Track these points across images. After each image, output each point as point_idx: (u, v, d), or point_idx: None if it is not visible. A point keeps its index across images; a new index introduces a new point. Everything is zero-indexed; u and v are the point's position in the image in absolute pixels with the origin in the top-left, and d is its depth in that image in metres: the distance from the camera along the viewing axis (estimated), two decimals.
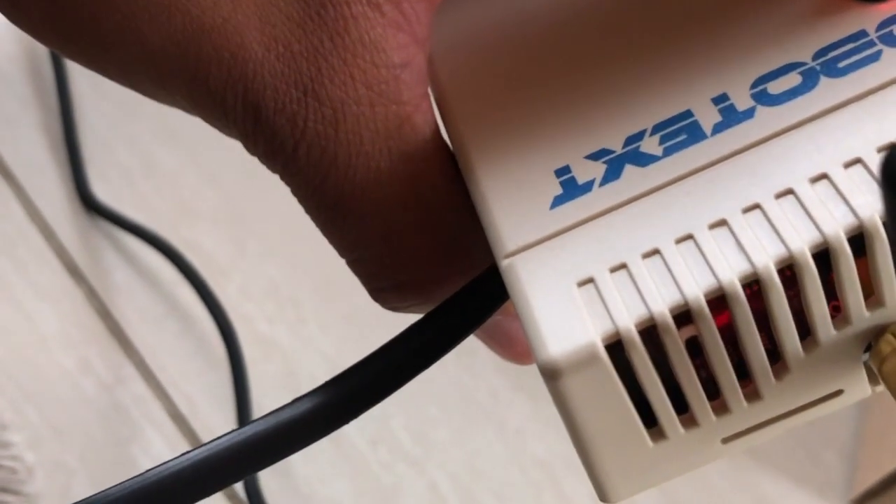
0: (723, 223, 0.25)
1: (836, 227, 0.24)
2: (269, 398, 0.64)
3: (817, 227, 0.24)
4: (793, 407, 0.26)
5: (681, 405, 0.26)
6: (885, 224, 0.20)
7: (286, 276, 0.67)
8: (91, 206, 0.69)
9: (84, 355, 0.65)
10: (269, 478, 0.62)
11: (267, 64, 0.27)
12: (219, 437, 0.28)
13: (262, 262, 0.68)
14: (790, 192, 0.25)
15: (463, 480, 0.62)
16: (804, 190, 0.25)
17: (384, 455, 0.63)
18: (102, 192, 0.70)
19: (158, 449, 0.63)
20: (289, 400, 0.61)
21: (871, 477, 0.59)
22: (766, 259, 0.24)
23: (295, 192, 0.29)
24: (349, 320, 0.66)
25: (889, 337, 0.25)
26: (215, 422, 0.64)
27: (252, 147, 0.28)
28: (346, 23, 0.27)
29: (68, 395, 0.64)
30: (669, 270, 0.25)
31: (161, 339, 0.66)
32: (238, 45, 0.27)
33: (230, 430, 0.29)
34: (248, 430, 0.29)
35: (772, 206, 0.25)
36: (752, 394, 0.26)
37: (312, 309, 0.66)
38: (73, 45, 0.28)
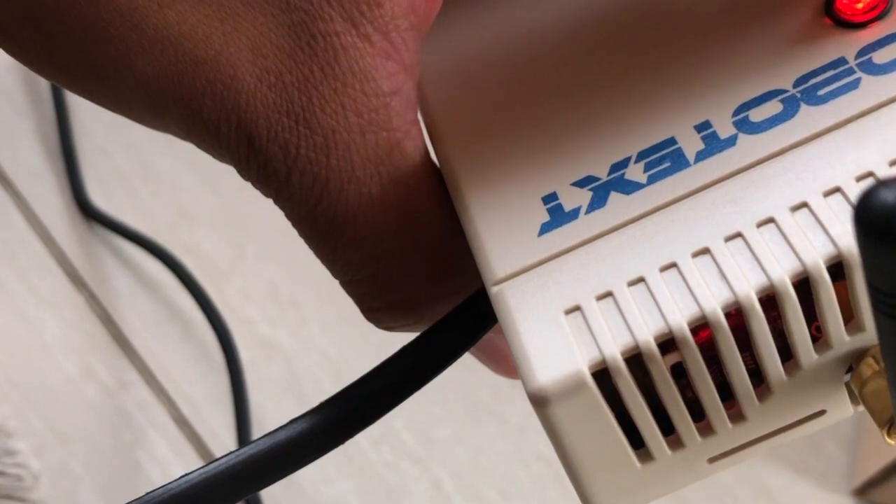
0: (705, 251, 0.25)
1: (816, 256, 0.24)
2: (271, 400, 0.65)
3: (797, 256, 0.25)
4: (776, 427, 0.27)
5: (667, 426, 0.27)
6: (862, 264, 0.21)
7: (286, 278, 0.67)
8: (88, 212, 0.69)
9: (87, 361, 0.66)
10: None
11: (259, 94, 0.27)
12: (216, 459, 0.29)
13: (262, 265, 0.68)
14: (771, 220, 0.25)
15: (466, 478, 0.62)
16: (785, 218, 0.25)
17: (387, 454, 0.63)
18: (102, 198, 0.70)
19: (163, 453, 0.63)
20: (292, 401, 0.62)
21: (871, 467, 0.59)
22: (748, 288, 0.25)
23: (288, 216, 0.30)
24: (350, 321, 0.66)
25: (870, 360, 0.26)
26: (219, 425, 0.64)
27: (246, 173, 0.29)
28: (335, 53, 0.28)
29: (72, 402, 0.65)
30: (654, 298, 0.25)
31: (163, 344, 0.66)
32: (231, 77, 0.27)
33: (230, 450, 0.29)
34: (245, 452, 0.29)
35: (753, 235, 0.25)
36: (736, 415, 0.27)
37: (313, 310, 0.67)
38: (69, 78, 0.29)
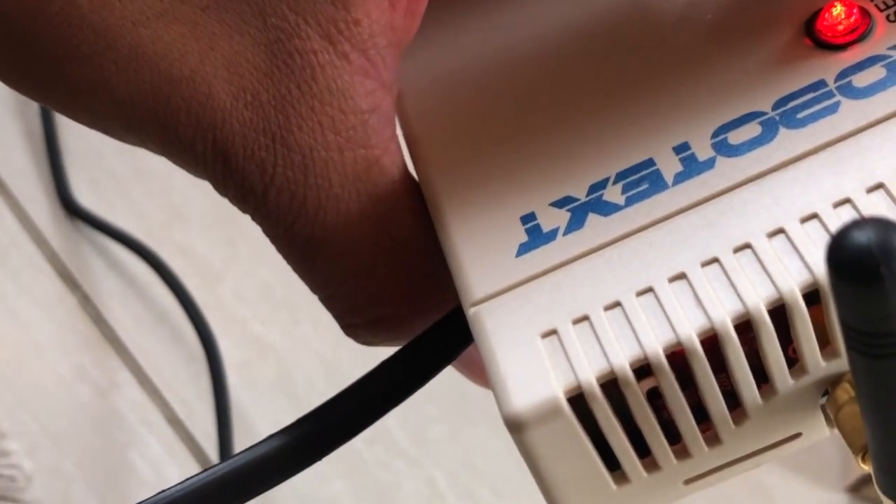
0: (682, 276, 0.25)
1: (792, 283, 0.24)
2: (265, 400, 0.65)
3: (773, 283, 0.24)
4: (752, 450, 0.27)
5: (643, 448, 0.26)
6: (834, 302, 0.21)
7: (280, 278, 0.67)
8: (74, 212, 0.69)
9: (79, 362, 0.66)
10: None
11: (235, 113, 0.27)
12: (192, 477, 0.29)
13: (254, 265, 0.68)
14: (748, 246, 0.25)
15: (460, 477, 0.63)
16: (761, 244, 0.25)
17: (381, 453, 0.63)
18: (95, 199, 0.70)
19: (156, 453, 0.64)
20: (285, 401, 0.62)
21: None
22: (724, 315, 0.25)
23: (266, 233, 0.30)
24: None
25: (846, 385, 0.26)
26: (213, 425, 0.64)
27: (222, 190, 0.29)
28: (313, 71, 0.27)
29: (65, 402, 0.65)
30: (630, 324, 0.25)
31: (155, 344, 0.66)
32: (206, 95, 0.27)
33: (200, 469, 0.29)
34: (221, 469, 0.29)
35: (730, 261, 0.25)
36: (712, 438, 0.26)
37: (306, 310, 0.67)
38: (43, 93, 0.28)
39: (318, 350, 0.66)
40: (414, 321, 0.30)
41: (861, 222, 0.20)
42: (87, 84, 0.27)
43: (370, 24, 0.27)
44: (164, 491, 0.29)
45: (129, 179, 0.70)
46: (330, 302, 0.31)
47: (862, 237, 0.19)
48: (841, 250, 0.19)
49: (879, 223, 0.20)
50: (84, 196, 0.70)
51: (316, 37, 0.27)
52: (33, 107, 0.73)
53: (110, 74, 0.27)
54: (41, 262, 0.68)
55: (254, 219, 0.29)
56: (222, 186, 0.29)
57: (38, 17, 0.26)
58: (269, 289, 0.67)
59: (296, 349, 0.66)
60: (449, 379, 0.64)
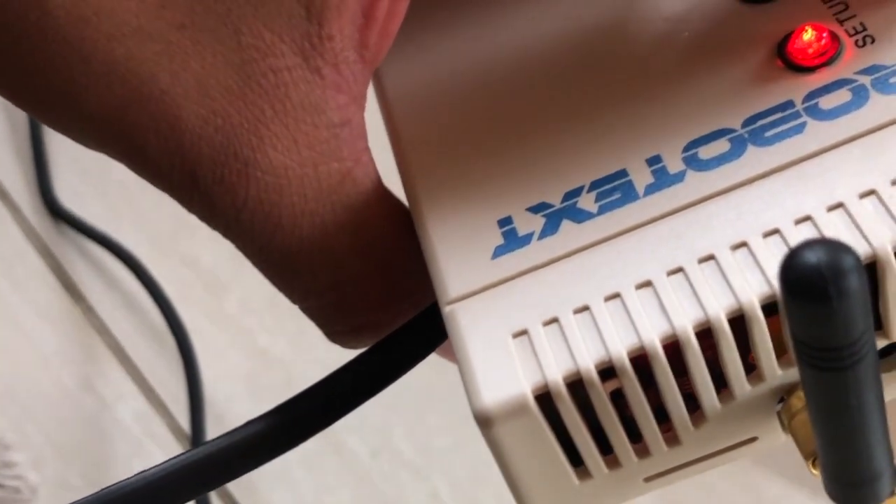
0: (648, 284, 0.26)
1: (751, 294, 0.25)
2: None
3: (734, 293, 0.26)
4: (710, 451, 0.28)
5: (606, 445, 0.28)
6: (786, 317, 0.22)
7: None
8: (75, 224, 0.70)
9: (84, 373, 0.66)
10: (271, 490, 0.62)
11: (205, 136, 0.27)
12: (171, 459, 0.30)
13: (260, 275, 0.68)
14: (712, 257, 0.26)
15: (465, 488, 0.63)
16: (725, 256, 0.26)
17: (386, 464, 0.63)
18: (102, 210, 0.70)
19: None
20: None
21: None
22: (686, 322, 0.26)
23: (239, 249, 0.30)
24: None
25: (800, 393, 0.27)
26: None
27: (189, 209, 0.29)
28: (286, 89, 0.28)
29: (70, 414, 0.65)
30: (597, 327, 0.26)
31: (161, 356, 0.66)
32: (175, 117, 0.27)
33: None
34: (202, 451, 0.30)
35: (694, 271, 0.26)
36: (671, 439, 0.28)
37: None
38: (16, 99, 0.28)
39: (324, 360, 0.65)
40: (396, 324, 0.31)
41: (812, 243, 0.21)
42: (59, 96, 0.27)
43: (342, 39, 0.28)
44: (144, 471, 0.30)
45: (136, 190, 0.71)
46: (311, 312, 0.31)
47: (812, 257, 0.21)
48: (792, 269, 0.21)
49: (829, 244, 0.21)
50: (91, 208, 0.70)
51: (290, 53, 0.28)
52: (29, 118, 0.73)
53: (82, 88, 0.27)
54: (45, 274, 0.69)
55: (224, 236, 0.30)
56: (189, 207, 0.29)
57: (14, 26, 0.26)
58: (276, 299, 0.67)
59: (302, 359, 0.66)
60: (454, 389, 0.64)
